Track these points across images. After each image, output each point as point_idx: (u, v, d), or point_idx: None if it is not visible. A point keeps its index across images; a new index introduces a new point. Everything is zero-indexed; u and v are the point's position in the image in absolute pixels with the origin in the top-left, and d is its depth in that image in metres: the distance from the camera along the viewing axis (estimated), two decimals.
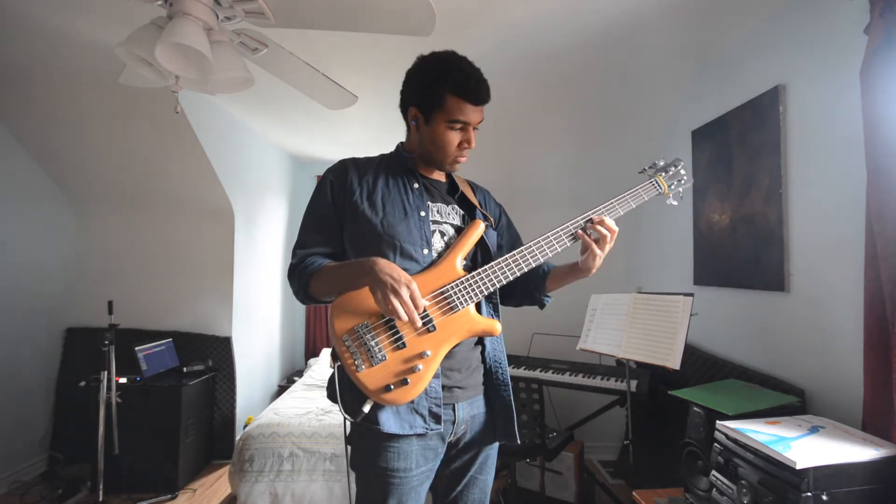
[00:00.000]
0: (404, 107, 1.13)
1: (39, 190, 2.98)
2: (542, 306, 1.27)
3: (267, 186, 3.73)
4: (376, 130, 3.22)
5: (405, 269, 1.01)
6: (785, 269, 1.72)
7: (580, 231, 1.09)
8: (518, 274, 1.07)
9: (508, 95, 2.50)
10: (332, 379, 1.03)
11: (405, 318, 0.92)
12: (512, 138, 2.96)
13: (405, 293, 0.91)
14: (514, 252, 1.08)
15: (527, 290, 1.24)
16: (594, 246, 1.07)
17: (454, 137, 1.07)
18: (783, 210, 1.73)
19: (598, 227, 1.07)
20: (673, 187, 1.24)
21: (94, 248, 3.25)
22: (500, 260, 1.07)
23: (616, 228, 1.08)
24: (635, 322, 2.07)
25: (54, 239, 3.09)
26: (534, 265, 1.08)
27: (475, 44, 1.99)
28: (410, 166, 1.15)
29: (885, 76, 1.23)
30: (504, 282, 1.06)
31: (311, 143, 3.67)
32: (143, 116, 2.62)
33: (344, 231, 1.10)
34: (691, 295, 1.91)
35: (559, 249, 1.09)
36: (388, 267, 0.93)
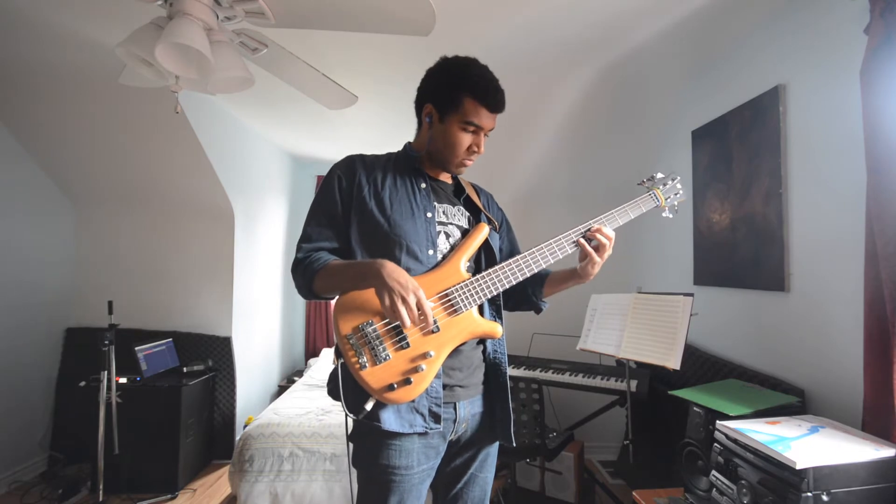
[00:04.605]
0: (420, 103, 1.14)
1: (39, 190, 2.98)
2: (538, 311, 1.29)
3: (267, 186, 3.73)
4: (376, 130, 3.22)
5: (409, 269, 1.02)
6: (785, 269, 1.72)
7: (581, 239, 1.12)
8: (521, 278, 1.09)
9: (508, 95, 2.50)
10: (333, 376, 1.03)
11: (410, 325, 0.93)
12: (512, 138, 2.96)
13: (412, 300, 0.91)
14: (518, 257, 1.09)
15: (524, 296, 1.26)
16: (594, 253, 1.10)
17: (465, 139, 1.09)
18: (783, 210, 1.73)
19: (598, 236, 1.10)
20: (669, 201, 1.27)
21: (94, 248, 3.25)
22: (503, 264, 1.08)
23: (612, 236, 1.12)
24: (635, 322, 2.07)
25: (54, 239, 3.09)
26: (536, 270, 1.10)
27: (475, 44, 1.99)
28: (418, 166, 1.15)
29: (885, 76, 1.23)
30: (507, 286, 1.08)
31: (311, 143, 3.67)
32: (143, 116, 2.62)
33: (350, 227, 1.09)
34: (691, 295, 1.91)
35: (560, 256, 1.12)
36: (396, 272, 0.93)
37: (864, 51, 1.29)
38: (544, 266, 1.11)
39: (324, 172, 1.19)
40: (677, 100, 2.56)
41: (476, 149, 1.11)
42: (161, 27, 1.26)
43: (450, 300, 1.03)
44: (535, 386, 2.09)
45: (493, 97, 1.08)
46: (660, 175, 1.29)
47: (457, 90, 1.07)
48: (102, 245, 3.26)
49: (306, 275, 1.04)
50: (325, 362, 3.73)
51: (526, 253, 1.10)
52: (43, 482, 2.78)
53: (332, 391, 1.05)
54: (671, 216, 1.30)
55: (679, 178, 1.29)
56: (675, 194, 1.28)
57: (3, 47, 2.17)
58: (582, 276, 1.14)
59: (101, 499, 2.37)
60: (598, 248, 1.11)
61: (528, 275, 1.09)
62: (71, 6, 1.84)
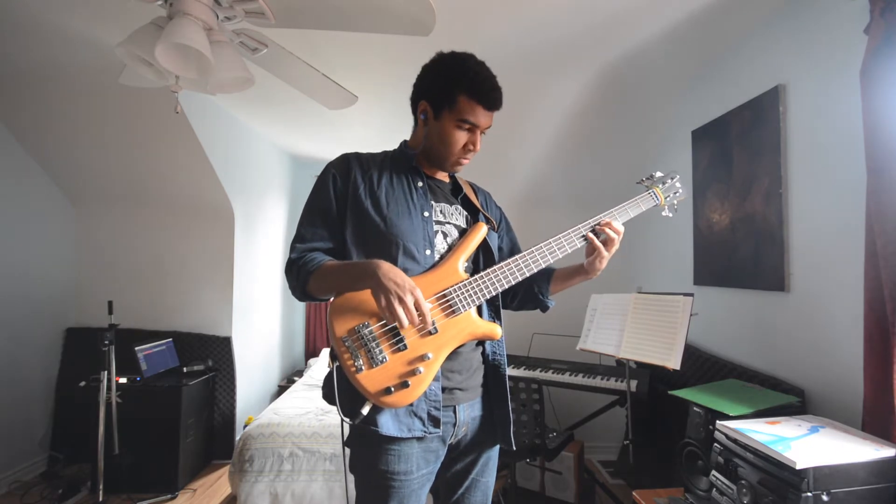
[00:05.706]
0: (415, 99, 1.12)
1: (39, 190, 2.98)
2: (544, 309, 1.26)
3: (267, 186, 3.73)
4: (376, 130, 3.22)
5: (407, 270, 1.00)
6: (785, 269, 1.72)
7: (589, 234, 1.11)
8: (520, 278, 1.07)
9: (507, 94, 2.50)
10: (328, 379, 1.01)
11: (407, 325, 0.91)
12: (510, 138, 2.96)
13: (409, 300, 0.89)
14: (517, 256, 1.08)
15: (530, 294, 1.24)
16: (602, 248, 1.10)
17: (461, 137, 1.07)
18: (783, 210, 1.73)
19: (607, 230, 1.10)
20: (668, 199, 1.27)
21: (94, 248, 3.25)
22: (502, 264, 1.07)
23: (622, 230, 1.12)
24: (635, 322, 2.07)
25: (54, 239, 3.09)
26: (535, 270, 1.08)
27: (475, 43, 1.98)
28: (414, 164, 1.13)
29: (885, 76, 1.23)
30: (507, 286, 1.06)
31: (311, 143, 3.67)
32: (144, 116, 2.62)
33: (345, 227, 1.07)
34: (691, 295, 1.91)
35: (560, 255, 1.10)
36: (392, 272, 0.91)
37: (864, 51, 1.29)
38: (544, 265, 1.09)
39: None
40: (677, 100, 2.56)
41: (472, 147, 1.09)
42: (161, 27, 1.26)
43: (448, 301, 1.01)
44: (535, 386, 2.09)
45: (489, 95, 1.05)
46: (659, 174, 1.28)
47: (452, 88, 1.04)
48: (102, 245, 3.26)
49: (300, 276, 1.02)
50: (324, 362, 3.73)
51: (525, 252, 1.08)
52: (43, 482, 2.78)
53: (328, 395, 1.02)
54: (671, 215, 1.29)
55: (678, 176, 1.29)
56: (675, 193, 1.28)
57: (2, 48, 2.17)
58: (588, 271, 1.14)
59: (101, 499, 2.37)
60: (607, 243, 1.11)
61: (528, 274, 1.07)
62: (70, 6, 1.83)
